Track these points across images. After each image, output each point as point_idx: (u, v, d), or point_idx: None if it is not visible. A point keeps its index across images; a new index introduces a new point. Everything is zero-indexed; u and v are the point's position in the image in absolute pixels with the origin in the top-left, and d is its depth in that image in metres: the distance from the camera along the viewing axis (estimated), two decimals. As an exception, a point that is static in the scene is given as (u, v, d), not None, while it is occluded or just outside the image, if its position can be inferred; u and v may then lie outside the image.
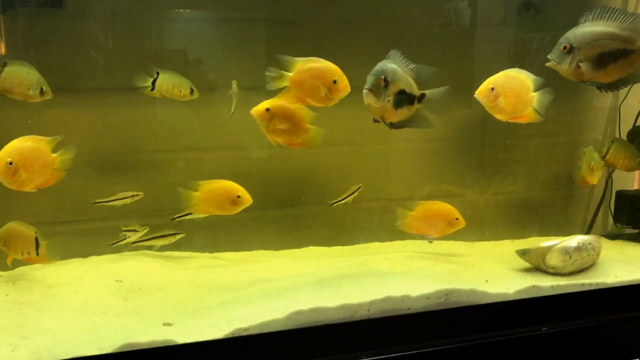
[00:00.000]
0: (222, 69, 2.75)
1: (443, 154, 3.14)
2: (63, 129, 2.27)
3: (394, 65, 2.20)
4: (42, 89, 2.19)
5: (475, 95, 2.32)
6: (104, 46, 2.55)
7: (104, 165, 2.62)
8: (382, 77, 2.13)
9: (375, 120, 2.27)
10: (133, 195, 2.53)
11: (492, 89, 2.31)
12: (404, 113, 2.25)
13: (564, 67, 2.20)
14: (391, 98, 2.17)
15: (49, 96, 2.21)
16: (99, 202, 2.51)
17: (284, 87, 2.15)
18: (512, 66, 2.41)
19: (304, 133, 2.30)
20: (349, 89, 2.18)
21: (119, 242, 2.52)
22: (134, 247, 2.57)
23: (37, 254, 2.23)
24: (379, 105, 2.17)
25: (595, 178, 2.80)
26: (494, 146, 3.22)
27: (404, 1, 2.98)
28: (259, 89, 2.76)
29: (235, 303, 2.03)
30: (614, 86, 2.29)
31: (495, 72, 2.35)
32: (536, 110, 2.36)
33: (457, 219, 2.66)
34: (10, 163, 2.01)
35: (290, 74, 2.14)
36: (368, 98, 2.15)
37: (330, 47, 2.79)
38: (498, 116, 2.36)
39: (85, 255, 2.55)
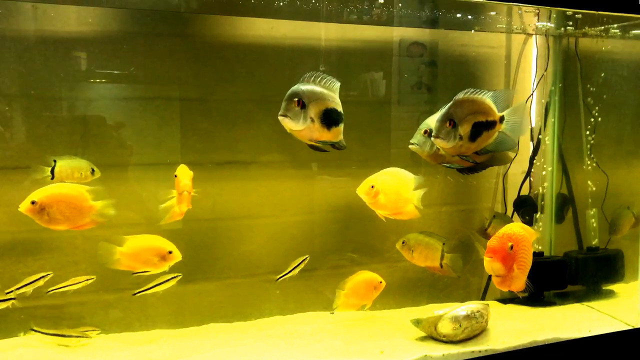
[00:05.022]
0: (128, 145, 2.77)
1: (347, 223, 3.22)
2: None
3: (311, 86, 2.18)
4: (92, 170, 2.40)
5: (357, 192, 2.43)
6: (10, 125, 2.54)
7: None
8: (296, 99, 2.12)
9: (312, 146, 2.25)
10: (87, 279, 2.44)
11: (372, 186, 2.42)
12: (339, 132, 2.25)
13: (427, 149, 2.40)
14: (316, 118, 2.16)
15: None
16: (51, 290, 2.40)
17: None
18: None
19: (88, 212, 2.27)
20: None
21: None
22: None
23: None
24: (299, 128, 2.14)
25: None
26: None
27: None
28: (172, 164, 2.84)
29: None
30: (476, 169, 2.47)
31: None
32: (417, 208, 2.52)
33: (380, 282, 2.71)
34: None
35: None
36: (284, 123, 2.13)
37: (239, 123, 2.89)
38: (379, 212, 2.47)
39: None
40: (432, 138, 2.35)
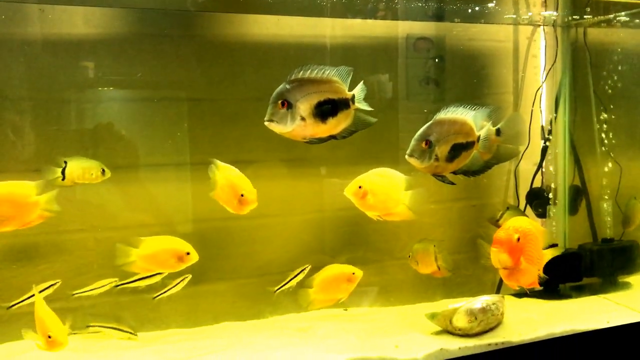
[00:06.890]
0: (137, 146, 2.77)
1: (358, 221, 3.21)
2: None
3: (298, 84, 2.10)
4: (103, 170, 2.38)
5: (344, 193, 2.37)
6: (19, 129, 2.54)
7: (10, 250, 2.55)
8: (280, 101, 2.05)
9: (308, 142, 2.17)
10: (110, 282, 2.44)
11: (360, 187, 2.35)
12: (338, 122, 2.17)
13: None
14: (307, 115, 2.08)
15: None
16: (76, 294, 2.42)
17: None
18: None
19: (34, 208, 2.12)
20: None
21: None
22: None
23: None
24: (288, 130, 2.07)
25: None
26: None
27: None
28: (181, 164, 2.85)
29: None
30: (482, 169, 2.44)
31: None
32: (410, 208, 2.43)
33: (353, 273, 2.63)
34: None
35: None
36: (271, 128, 2.08)
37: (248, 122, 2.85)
38: (369, 213, 2.41)
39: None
40: (406, 157, 2.31)
